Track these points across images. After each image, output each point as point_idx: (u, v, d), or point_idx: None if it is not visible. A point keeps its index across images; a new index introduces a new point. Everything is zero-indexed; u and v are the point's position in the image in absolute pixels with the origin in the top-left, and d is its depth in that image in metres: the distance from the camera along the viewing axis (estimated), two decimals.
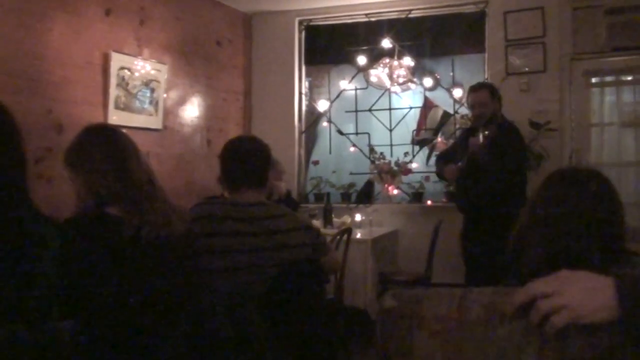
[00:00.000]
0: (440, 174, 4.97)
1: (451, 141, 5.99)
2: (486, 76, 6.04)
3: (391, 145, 6.53)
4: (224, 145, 2.75)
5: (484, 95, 4.57)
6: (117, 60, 4.89)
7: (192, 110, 5.91)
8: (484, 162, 4.36)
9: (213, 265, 2.46)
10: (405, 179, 6.34)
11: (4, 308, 1.57)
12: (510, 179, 4.39)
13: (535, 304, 1.05)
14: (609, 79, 6.02)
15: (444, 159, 4.98)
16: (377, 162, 6.37)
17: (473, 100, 4.62)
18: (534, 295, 1.05)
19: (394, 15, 6.44)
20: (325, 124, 6.86)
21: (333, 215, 5.68)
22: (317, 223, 5.30)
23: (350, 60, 6.70)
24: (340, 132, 6.68)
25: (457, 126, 6.21)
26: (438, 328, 1.15)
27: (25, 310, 1.61)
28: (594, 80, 5.93)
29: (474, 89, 4.69)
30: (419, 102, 6.76)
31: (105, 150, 2.11)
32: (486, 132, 4.38)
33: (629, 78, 5.96)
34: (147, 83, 5.23)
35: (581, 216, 1.29)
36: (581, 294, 1.04)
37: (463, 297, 1.16)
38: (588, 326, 1.05)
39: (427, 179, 6.30)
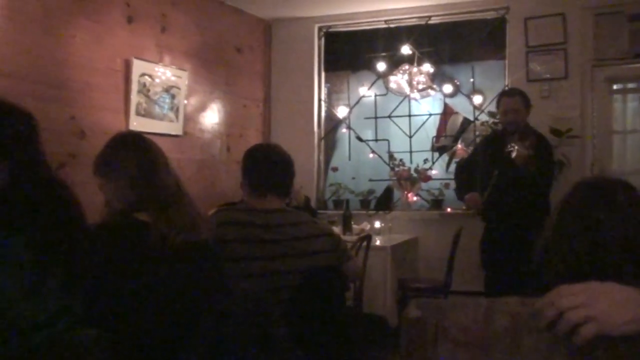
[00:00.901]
0: (457, 194, 4.97)
1: (471, 148, 5.95)
2: (506, 82, 6.01)
3: (410, 151, 6.51)
4: (249, 152, 2.74)
5: (517, 101, 4.50)
6: (138, 66, 4.93)
7: (212, 117, 5.94)
8: (530, 173, 4.28)
9: (235, 272, 2.45)
10: (424, 185, 6.32)
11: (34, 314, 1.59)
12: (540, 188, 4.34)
13: (563, 314, 1.03)
14: (631, 85, 5.97)
15: (464, 167, 4.94)
16: (396, 169, 6.34)
17: (506, 106, 4.53)
18: (562, 309, 1.03)
19: (413, 22, 6.43)
20: (344, 130, 6.87)
21: (352, 222, 5.66)
22: (336, 230, 5.29)
23: (369, 66, 6.70)
24: (359, 139, 6.67)
25: (477, 133, 6.17)
26: (463, 338, 1.14)
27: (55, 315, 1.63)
28: (615, 86, 5.88)
29: (507, 95, 4.64)
30: (439, 109, 6.74)
31: (135, 157, 2.13)
32: (527, 143, 4.29)
33: None
34: (168, 89, 5.26)
35: (609, 227, 1.28)
36: (610, 306, 1.03)
37: (489, 307, 1.15)
38: (616, 338, 1.03)
39: (446, 185, 6.26)
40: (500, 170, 4.41)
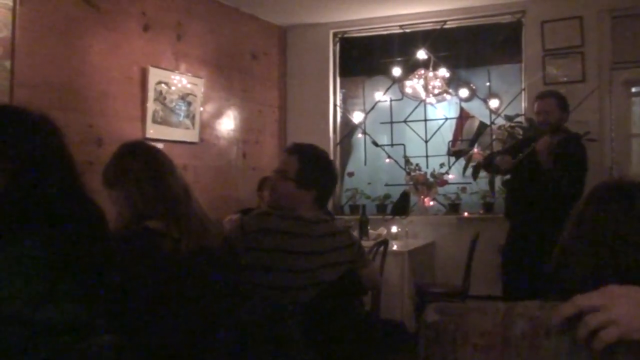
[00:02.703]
0: (490, 165, 4.89)
1: (487, 152, 5.92)
2: (523, 86, 5.99)
3: (427, 156, 6.50)
4: (319, 158, 2.62)
5: (550, 102, 4.52)
6: (154, 74, 4.96)
7: (227, 123, 5.97)
8: (547, 165, 4.30)
9: (270, 282, 2.38)
10: (441, 190, 6.31)
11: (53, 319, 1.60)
12: (567, 193, 4.32)
13: (583, 318, 1.03)
14: None
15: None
16: (412, 174, 6.34)
17: (538, 107, 4.58)
18: (581, 309, 1.03)
19: (429, 27, 6.42)
20: (360, 135, 6.86)
21: (369, 227, 5.66)
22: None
23: (385, 71, 6.70)
24: (375, 144, 6.67)
25: (494, 137, 6.15)
26: (482, 343, 1.14)
27: (77, 322, 1.64)
28: (634, 89, 5.83)
29: (539, 96, 4.68)
30: (455, 113, 6.72)
31: (141, 166, 2.16)
32: (554, 137, 4.32)
33: None
34: (184, 97, 5.30)
35: (627, 231, 1.27)
36: (631, 309, 1.02)
37: (507, 311, 1.15)
38: (637, 342, 1.03)
39: (463, 190, 6.25)
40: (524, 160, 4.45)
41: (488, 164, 4.92)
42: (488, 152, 5.76)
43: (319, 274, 2.46)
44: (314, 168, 2.54)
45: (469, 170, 5.98)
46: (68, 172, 1.79)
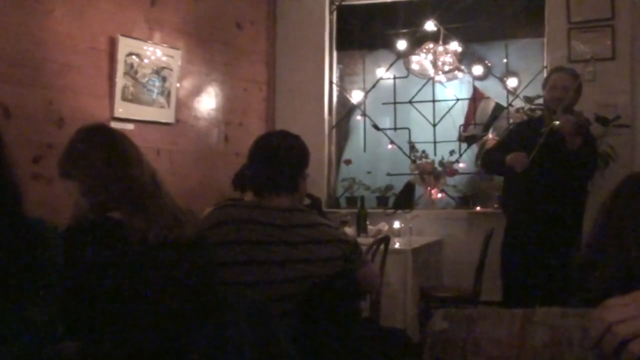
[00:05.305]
0: (493, 167, 4.85)
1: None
2: (545, 64, 5.99)
3: (435, 142, 6.51)
4: (257, 141, 2.72)
5: (569, 79, 4.52)
6: (124, 45, 4.94)
7: (208, 102, 5.95)
8: (574, 145, 4.26)
9: (239, 278, 2.45)
10: (450, 180, 6.32)
11: (8, 326, 1.59)
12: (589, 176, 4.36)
13: (610, 328, 1.03)
14: None
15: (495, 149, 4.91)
16: (418, 162, 6.35)
17: (556, 81, 4.55)
18: (611, 324, 1.03)
19: None
20: (359, 117, 6.87)
21: (368, 222, 5.67)
22: (349, 230, 5.30)
23: (388, 45, 6.70)
24: (376, 127, 6.67)
25: (511, 121, 6.16)
26: (497, 353, 1.14)
27: (30, 327, 1.63)
28: None
29: (559, 70, 4.68)
30: (467, 93, 6.73)
31: (101, 152, 2.17)
32: (575, 114, 4.32)
33: None
34: (158, 71, 5.27)
35: None
36: None
37: (525, 319, 1.15)
38: None
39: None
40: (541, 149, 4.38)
41: (492, 166, 4.87)
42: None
43: (297, 268, 2.51)
44: (249, 151, 2.71)
45: None
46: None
